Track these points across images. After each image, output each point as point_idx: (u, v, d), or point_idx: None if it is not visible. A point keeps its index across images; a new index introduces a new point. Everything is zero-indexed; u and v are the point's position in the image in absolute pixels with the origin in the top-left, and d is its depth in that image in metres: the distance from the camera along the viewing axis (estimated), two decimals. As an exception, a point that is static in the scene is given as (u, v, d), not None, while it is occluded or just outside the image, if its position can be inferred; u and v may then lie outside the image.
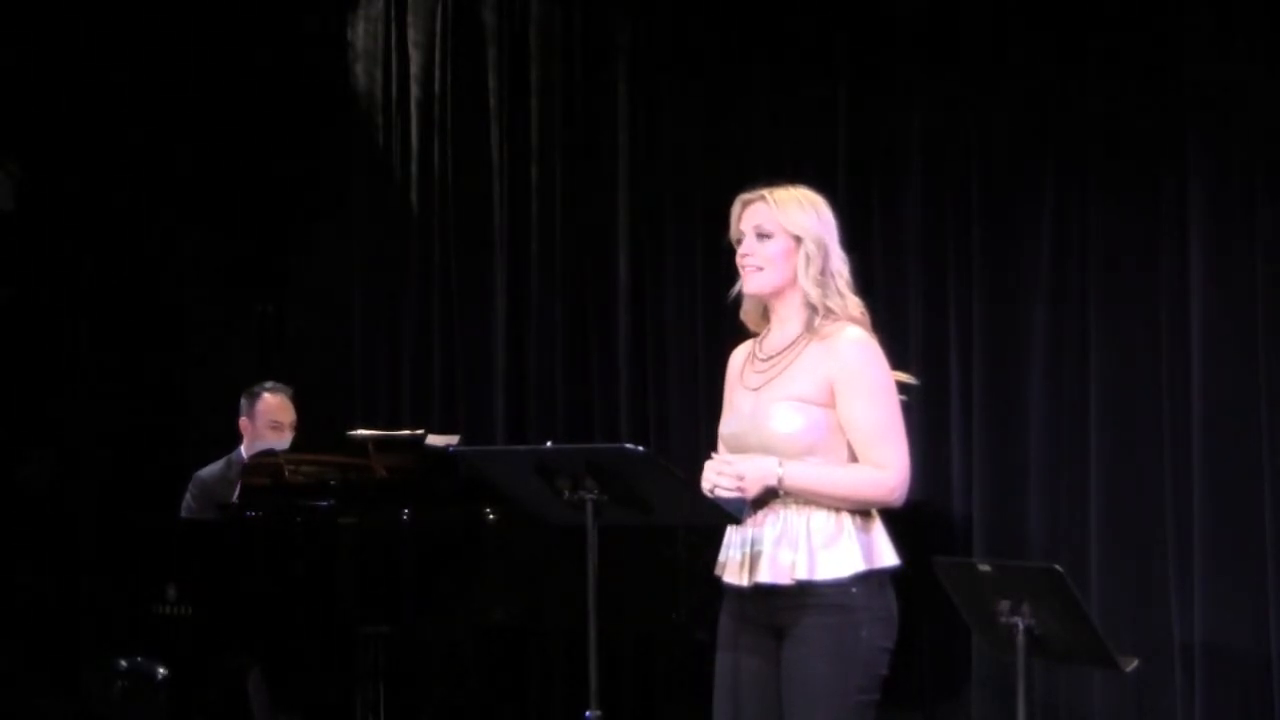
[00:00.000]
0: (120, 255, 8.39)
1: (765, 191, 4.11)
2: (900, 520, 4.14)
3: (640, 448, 3.94)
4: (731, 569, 4.08)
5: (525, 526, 4.51)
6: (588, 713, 3.95)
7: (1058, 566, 4.07)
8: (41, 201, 8.29)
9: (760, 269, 4.09)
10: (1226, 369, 5.77)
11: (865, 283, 6.50)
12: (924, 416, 6.36)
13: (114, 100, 8.30)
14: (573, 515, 3.94)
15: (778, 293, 4.11)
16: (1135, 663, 4.26)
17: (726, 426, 4.15)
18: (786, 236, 4.07)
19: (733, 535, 4.09)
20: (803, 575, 3.95)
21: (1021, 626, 4.03)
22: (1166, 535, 5.89)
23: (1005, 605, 4.04)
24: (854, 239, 6.50)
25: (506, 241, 7.81)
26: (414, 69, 8.14)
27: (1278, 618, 5.65)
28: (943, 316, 6.42)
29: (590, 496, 3.89)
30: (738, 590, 4.07)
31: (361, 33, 8.33)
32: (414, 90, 8.14)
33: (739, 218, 4.14)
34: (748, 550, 4.03)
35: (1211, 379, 5.78)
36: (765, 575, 3.99)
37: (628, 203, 7.38)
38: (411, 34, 8.15)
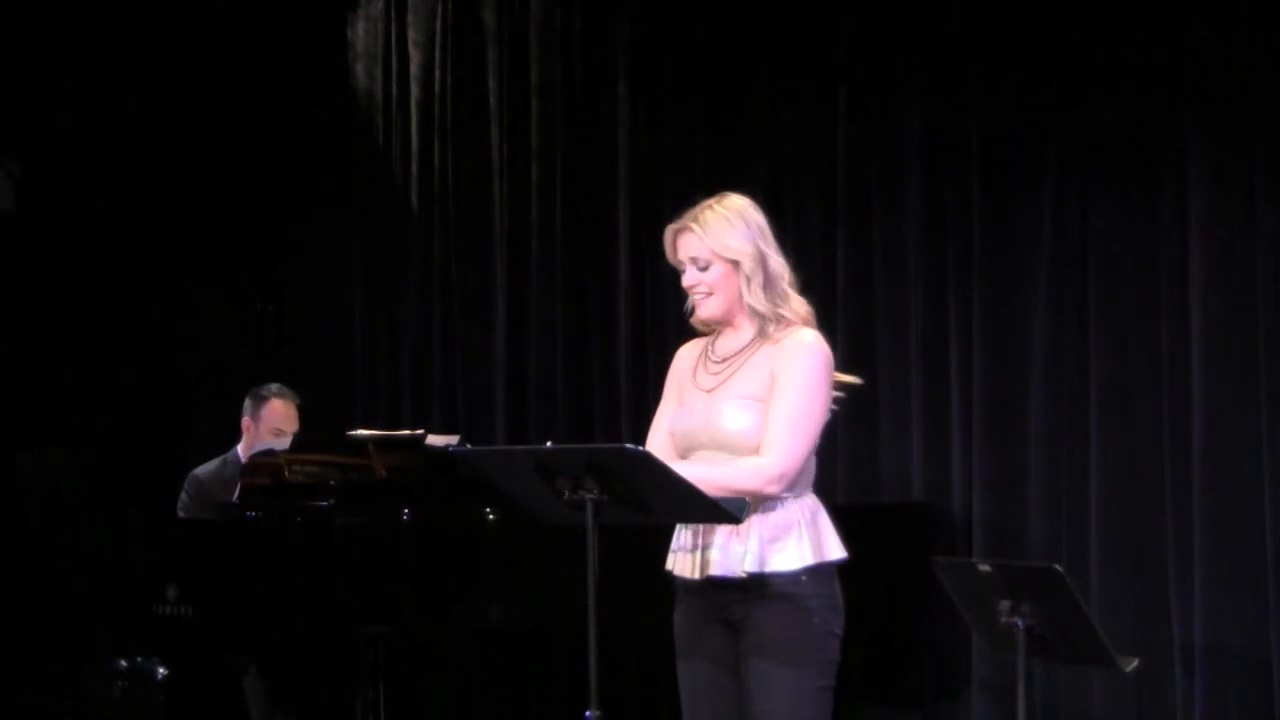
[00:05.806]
0: (120, 255, 8.39)
1: (691, 220, 4.13)
2: (902, 520, 4.14)
3: (640, 448, 3.93)
4: (682, 562, 4.11)
5: (525, 526, 4.50)
6: (588, 713, 3.95)
7: (1058, 566, 4.08)
8: (41, 201, 8.29)
9: (709, 294, 4.14)
10: (1226, 368, 5.77)
11: (866, 282, 6.59)
12: (924, 416, 6.37)
13: (113, 101, 8.30)
14: (573, 515, 3.94)
15: (729, 312, 4.16)
16: (1135, 663, 4.27)
17: (678, 424, 4.18)
18: (721, 262, 4.11)
19: (683, 529, 4.12)
20: (752, 568, 4.00)
21: (1021, 626, 4.04)
22: (1166, 535, 5.89)
23: (1005, 605, 4.05)
24: (854, 239, 6.61)
25: (506, 241, 7.81)
26: (414, 69, 8.15)
27: (1278, 618, 5.65)
28: (943, 316, 6.42)
29: (590, 496, 3.89)
30: (689, 585, 4.10)
31: (361, 33, 8.33)
32: (414, 90, 8.14)
33: (672, 247, 4.18)
34: (699, 544, 4.06)
35: (1211, 378, 5.78)
36: (717, 569, 4.03)
37: (628, 203, 7.38)
38: (411, 34, 8.15)
